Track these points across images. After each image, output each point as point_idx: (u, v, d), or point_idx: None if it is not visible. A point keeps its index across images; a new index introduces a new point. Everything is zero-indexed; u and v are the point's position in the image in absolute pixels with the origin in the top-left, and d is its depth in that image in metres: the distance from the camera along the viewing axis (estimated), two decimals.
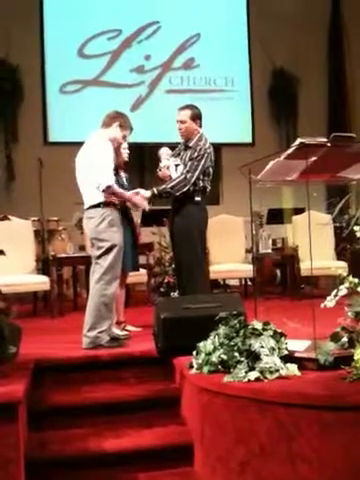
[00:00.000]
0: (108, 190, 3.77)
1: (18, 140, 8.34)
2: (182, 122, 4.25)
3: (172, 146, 4.50)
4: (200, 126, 4.31)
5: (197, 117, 4.27)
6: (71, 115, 8.34)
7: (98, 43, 8.79)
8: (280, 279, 7.17)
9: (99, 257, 3.78)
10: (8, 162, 8.28)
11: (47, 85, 8.61)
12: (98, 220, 3.77)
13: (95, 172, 3.77)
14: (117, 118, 3.95)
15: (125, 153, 4.36)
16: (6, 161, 8.28)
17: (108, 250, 3.75)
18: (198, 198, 4.21)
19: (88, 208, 3.86)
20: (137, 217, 4.72)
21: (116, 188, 3.86)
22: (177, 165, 4.29)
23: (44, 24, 8.63)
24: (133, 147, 3.86)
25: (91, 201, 3.82)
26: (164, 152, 4.41)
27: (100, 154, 3.78)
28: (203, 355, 2.89)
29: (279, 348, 2.77)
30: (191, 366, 2.94)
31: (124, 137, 4.00)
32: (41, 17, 8.62)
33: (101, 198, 3.78)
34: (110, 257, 3.75)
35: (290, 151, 2.98)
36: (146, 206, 4.07)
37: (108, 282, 3.74)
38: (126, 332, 4.21)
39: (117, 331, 4.07)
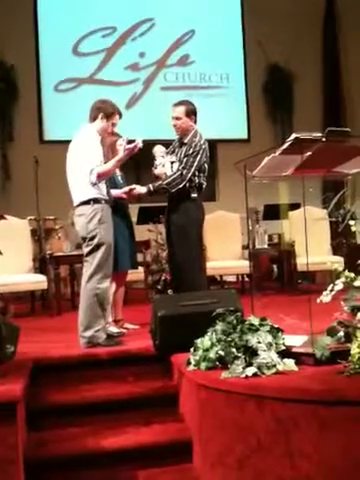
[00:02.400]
0: (100, 178, 3.71)
1: (13, 139, 8.32)
2: (177, 118, 4.23)
3: (168, 143, 4.48)
4: (195, 122, 4.29)
5: (192, 113, 4.25)
6: (66, 113, 8.30)
7: (92, 41, 8.77)
8: (277, 275, 7.18)
9: (88, 255, 3.72)
10: (4, 161, 8.28)
11: (42, 84, 8.59)
12: (88, 217, 3.69)
13: (86, 170, 3.71)
14: (100, 109, 3.86)
15: (121, 150, 4.32)
16: (2, 160, 8.28)
17: (97, 247, 3.68)
18: (194, 195, 4.20)
19: (78, 205, 3.79)
20: (133, 216, 4.70)
21: (102, 167, 3.73)
22: (172, 162, 4.28)
23: (38, 22, 8.61)
24: (131, 143, 3.83)
25: (81, 197, 3.75)
26: (158, 150, 4.40)
27: (86, 152, 3.73)
28: (201, 352, 2.89)
29: (276, 343, 2.78)
30: (189, 363, 2.95)
31: (113, 125, 3.90)
32: (35, 15, 8.60)
33: (91, 195, 3.72)
34: (99, 255, 3.68)
35: (285, 146, 2.98)
36: (140, 142, 3.81)
37: (98, 281, 3.68)
38: (123, 330, 4.21)
39: (112, 328, 4.07)
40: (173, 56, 9.09)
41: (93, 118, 3.88)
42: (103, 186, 3.83)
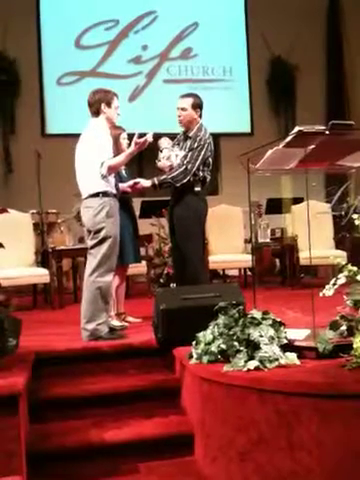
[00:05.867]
0: (110, 171, 3.72)
1: (16, 132, 8.33)
2: (182, 109, 4.21)
3: (171, 136, 4.47)
4: (200, 116, 4.27)
5: (198, 106, 4.24)
6: (68, 107, 8.29)
7: (95, 34, 8.74)
8: (279, 269, 7.17)
9: (93, 247, 3.73)
10: (6, 155, 8.28)
11: (44, 77, 8.58)
12: (96, 210, 3.70)
13: (96, 163, 3.71)
14: (99, 100, 3.83)
15: (124, 143, 4.32)
16: (4, 154, 8.28)
17: (102, 240, 3.69)
18: (198, 188, 4.19)
19: (86, 197, 3.79)
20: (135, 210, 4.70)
21: (113, 160, 3.75)
22: (177, 155, 4.27)
23: (41, 15, 8.58)
24: (131, 137, 3.82)
25: (90, 190, 3.76)
26: (164, 142, 4.38)
27: (96, 145, 3.74)
28: (203, 345, 2.89)
29: (278, 337, 2.78)
30: (191, 356, 2.95)
31: (117, 108, 3.89)
32: (38, 8, 8.58)
33: (100, 188, 3.73)
34: (104, 248, 3.69)
35: (288, 139, 2.97)
36: (150, 136, 3.78)
37: (102, 274, 3.68)
38: (125, 323, 4.22)
39: (114, 322, 4.07)
40: (176, 49, 9.06)
41: (96, 112, 3.86)
42: (112, 179, 3.84)
